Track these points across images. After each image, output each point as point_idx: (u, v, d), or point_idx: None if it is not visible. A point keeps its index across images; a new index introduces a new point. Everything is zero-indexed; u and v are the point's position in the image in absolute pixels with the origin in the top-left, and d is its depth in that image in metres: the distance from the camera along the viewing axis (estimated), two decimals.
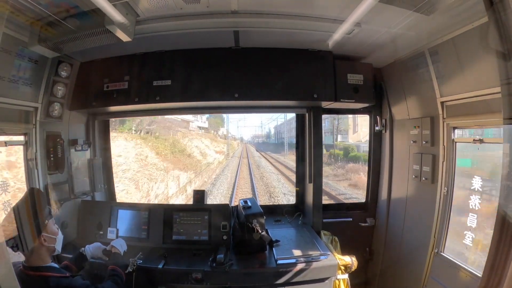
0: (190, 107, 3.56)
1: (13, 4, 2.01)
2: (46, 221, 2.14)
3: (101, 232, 3.23)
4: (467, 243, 2.62)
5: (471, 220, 2.59)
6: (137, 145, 16.09)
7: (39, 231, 2.05)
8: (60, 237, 2.23)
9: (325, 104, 3.40)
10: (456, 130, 2.78)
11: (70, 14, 2.25)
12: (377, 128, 3.85)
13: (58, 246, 2.21)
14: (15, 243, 1.91)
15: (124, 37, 2.33)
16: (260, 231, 2.83)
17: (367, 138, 4.17)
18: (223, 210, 3.22)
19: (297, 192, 4.13)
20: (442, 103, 2.81)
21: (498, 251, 1.40)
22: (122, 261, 2.57)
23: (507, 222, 1.38)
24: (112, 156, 4.21)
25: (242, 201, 3.24)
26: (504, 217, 1.39)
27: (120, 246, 2.70)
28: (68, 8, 2.18)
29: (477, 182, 2.56)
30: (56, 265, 2.17)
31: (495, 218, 1.45)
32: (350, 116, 20.40)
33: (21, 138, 2.78)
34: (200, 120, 35.74)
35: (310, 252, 2.86)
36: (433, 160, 2.97)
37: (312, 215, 3.56)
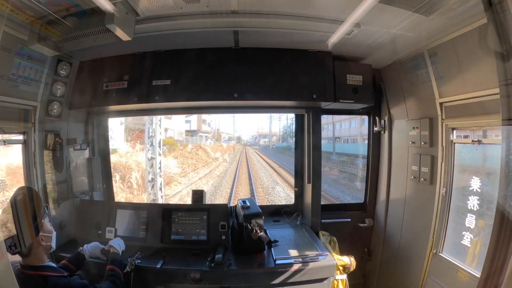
0: (189, 106, 3.56)
1: (13, 2, 2.01)
2: (43, 220, 2.13)
3: (100, 232, 3.22)
4: None
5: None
6: None
7: (37, 231, 2.05)
8: (54, 234, 2.23)
9: (325, 105, 3.40)
10: (455, 132, 2.79)
11: (70, 13, 2.25)
12: (376, 129, 3.86)
13: (53, 244, 2.21)
14: (13, 242, 1.90)
15: (124, 36, 2.33)
16: (258, 231, 2.83)
17: None
18: (222, 210, 3.21)
19: (295, 192, 4.13)
20: (441, 104, 2.82)
21: (497, 251, 1.40)
22: (121, 260, 2.57)
23: (505, 222, 1.38)
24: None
25: (241, 201, 3.25)
26: (503, 216, 1.40)
27: (119, 246, 2.70)
28: (68, 6, 2.18)
29: None
30: (54, 265, 2.17)
31: (494, 218, 1.46)
32: None
33: (20, 137, 2.77)
34: None
35: (309, 253, 2.86)
36: (432, 161, 2.98)
37: (311, 216, 3.57)
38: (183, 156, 23.31)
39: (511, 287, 1.36)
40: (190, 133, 36.23)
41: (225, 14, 2.44)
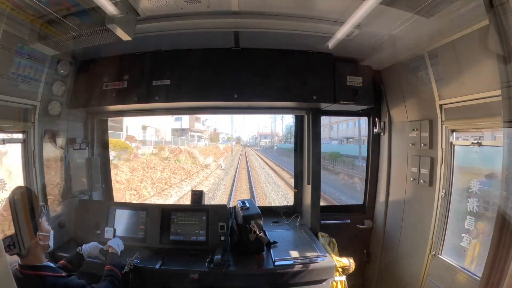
0: (189, 107, 3.56)
1: (13, 1, 2.01)
2: (40, 219, 2.13)
3: (98, 232, 3.21)
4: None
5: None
6: None
7: (35, 230, 2.04)
8: (51, 233, 2.22)
9: (324, 106, 3.40)
10: (454, 133, 2.79)
11: (70, 12, 2.25)
12: (375, 130, 3.86)
13: (51, 243, 2.20)
14: (12, 242, 1.89)
15: (124, 36, 2.33)
16: (257, 232, 2.83)
17: None
18: (221, 210, 3.21)
19: (295, 193, 4.13)
20: (441, 106, 2.82)
21: (498, 252, 1.40)
22: (119, 261, 2.56)
23: (506, 225, 1.38)
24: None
25: (240, 202, 3.24)
26: (504, 218, 1.40)
27: (117, 246, 2.69)
28: (69, 6, 2.18)
29: None
30: (52, 264, 2.16)
31: (495, 220, 1.46)
32: None
33: (19, 136, 2.77)
34: None
35: (308, 254, 2.85)
36: (431, 162, 2.98)
37: (310, 217, 3.57)
38: (149, 167, 16.86)
39: None
40: (178, 132, 31.58)
41: (226, 15, 2.44)
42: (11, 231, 1.89)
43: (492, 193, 2.39)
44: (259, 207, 3.21)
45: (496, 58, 1.50)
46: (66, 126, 3.29)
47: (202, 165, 22.08)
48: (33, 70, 2.70)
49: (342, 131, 26.01)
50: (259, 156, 36.77)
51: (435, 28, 2.38)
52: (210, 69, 3.08)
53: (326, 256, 2.82)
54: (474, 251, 2.54)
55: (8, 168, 2.82)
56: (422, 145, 3.07)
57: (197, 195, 3.49)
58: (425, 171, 3.05)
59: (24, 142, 2.80)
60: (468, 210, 2.60)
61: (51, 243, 2.19)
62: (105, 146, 3.97)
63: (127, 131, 22.14)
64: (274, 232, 3.39)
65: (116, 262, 2.51)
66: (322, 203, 3.69)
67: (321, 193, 3.68)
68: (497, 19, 1.40)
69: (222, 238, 3.08)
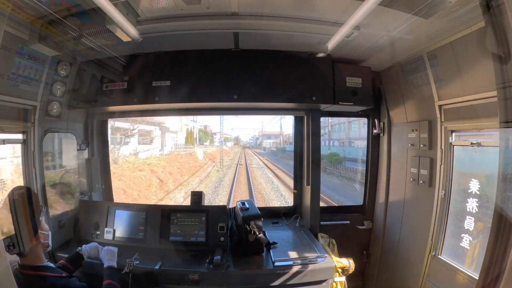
0: (188, 108, 3.56)
1: (14, 1, 2.01)
2: (40, 218, 2.13)
3: (98, 232, 3.21)
4: None
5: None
6: None
7: (35, 229, 2.04)
8: (50, 233, 2.22)
9: (324, 107, 3.41)
10: (454, 134, 2.80)
11: (71, 13, 2.25)
12: (375, 131, 3.86)
13: (50, 242, 2.20)
14: (12, 242, 1.90)
15: (124, 37, 2.34)
16: (257, 233, 2.83)
17: None
18: (221, 211, 3.20)
19: (294, 194, 4.13)
20: (440, 106, 2.83)
21: (495, 253, 1.40)
22: (117, 274, 2.45)
23: (503, 224, 1.38)
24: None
25: (239, 202, 3.25)
26: (500, 219, 1.40)
27: (112, 256, 2.57)
28: (69, 6, 2.19)
29: None
30: (52, 265, 2.16)
31: (492, 219, 1.46)
32: None
33: (19, 136, 2.77)
34: None
35: (307, 255, 2.85)
36: (431, 163, 2.98)
37: (310, 218, 3.57)
38: None
39: None
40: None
41: (226, 16, 2.45)
42: (11, 231, 1.90)
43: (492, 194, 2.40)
44: (258, 208, 3.21)
45: (492, 59, 1.51)
46: (66, 126, 3.30)
47: None
48: (33, 71, 2.70)
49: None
50: (267, 166, 22.84)
51: (434, 29, 2.39)
52: (210, 70, 3.09)
53: (326, 256, 2.82)
54: (474, 252, 2.54)
55: None
56: (422, 145, 3.07)
57: (197, 196, 3.50)
58: (424, 171, 3.05)
59: (24, 143, 2.80)
60: (468, 210, 2.61)
61: (50, 242, 2.20)
62: (104, 147, 3.98)
63: None
64: (274, 233, 3.39)
65: (114, 275, 2.42)
66: (321, 204, 3.69)
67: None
68: (493, 20, 1.41)
69: (222, 238, 3.07)
